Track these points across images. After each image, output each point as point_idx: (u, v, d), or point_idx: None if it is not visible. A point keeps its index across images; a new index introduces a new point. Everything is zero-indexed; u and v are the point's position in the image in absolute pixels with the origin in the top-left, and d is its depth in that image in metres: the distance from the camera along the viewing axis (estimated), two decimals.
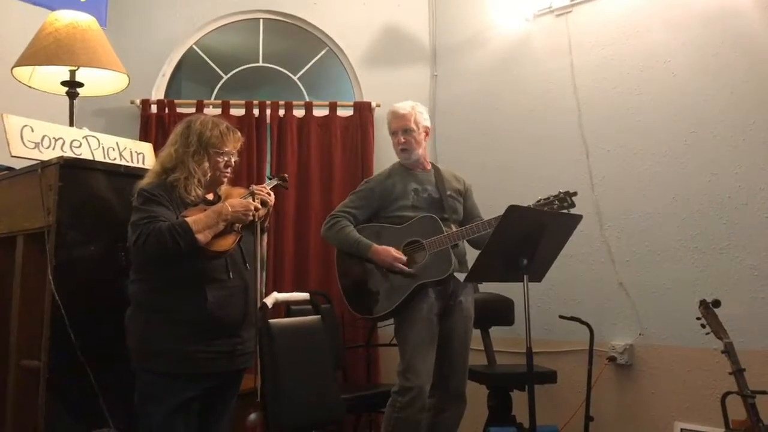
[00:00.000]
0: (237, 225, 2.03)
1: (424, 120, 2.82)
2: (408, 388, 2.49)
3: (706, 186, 3.03)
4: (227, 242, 1.99)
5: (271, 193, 2.19)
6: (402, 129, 2.75)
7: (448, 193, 2.77)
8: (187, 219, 1.92)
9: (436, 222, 2.61)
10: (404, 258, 2.60)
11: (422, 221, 2.64)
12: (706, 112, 3.06)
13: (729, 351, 2.34)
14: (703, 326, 2.46)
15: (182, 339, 1.94)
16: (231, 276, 2.01)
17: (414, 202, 2.71)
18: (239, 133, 2.17)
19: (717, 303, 2.46)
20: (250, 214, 2.05)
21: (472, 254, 2.62)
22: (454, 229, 2.64)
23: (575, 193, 2.56)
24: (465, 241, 2.69)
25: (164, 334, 1.94)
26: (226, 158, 2.10)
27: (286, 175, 2.42)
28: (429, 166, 2.86)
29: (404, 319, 2.59)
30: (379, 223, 2.75)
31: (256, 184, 2.20)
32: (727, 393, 2.39)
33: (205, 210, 1.99)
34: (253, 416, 2.18)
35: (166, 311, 1.95)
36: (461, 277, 2.60)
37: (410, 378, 2.50)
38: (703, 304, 2.47)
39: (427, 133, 2.85)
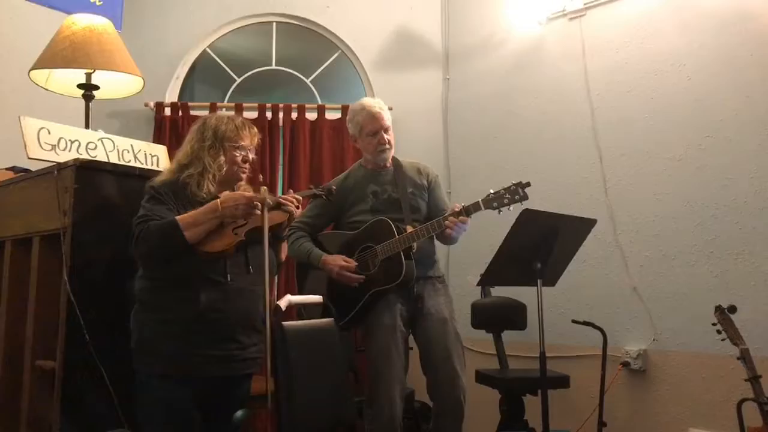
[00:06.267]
0: (237, 228, 1.94)
1: None
2: (373, 398, 2.44)
3: (722, 190, 3.01)
4: (222, 243, 1.90)
5: (298, 201, 2.08)
6: (385, 128, 2.65)
7: (409, 190, 2.67)
8: (177, 217, 1.88)
9: (388, 225, 2.52)
10: (353, 265, 2.51)
11: (374, 225, 2.56)
12: (721, 115, 3.04)
13: (745, 357, 2.32)
14: (719, 332, 2.43)
15: (173, 340, 1.90)
16: (229, 278, 1.95)
17: (373, 205, 2.63)
18: (255, 129, 2.14)
19: (733, 309, 2.44)
20: (242, 206, 1.90)
21: (461, 253, 2.63)
22: (409, 229, 2.55)
23: (528, 184, 2.37)
24: (435, 238, 2.59)
25: (158, 334, 1.91)
26: (242, 153, 2.07)
27: (332, 187, 2.30)
28: (389, 164, 2.74)
29: (367, 327, 2.54)
30: (337, 231, 2.68)
31: (290, 189, 2.14)
32: (743, 400, 2.36)
33: None
34: (239, 414, 2.11)
35: (161, 310, 1.92)
36: (432, 279, 2.60)
37: (375, 388, 2.44)
38: (719, 309, 2.45)
39: None
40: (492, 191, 2.39)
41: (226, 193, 1.97)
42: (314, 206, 2.71)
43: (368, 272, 2.52)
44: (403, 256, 2.47)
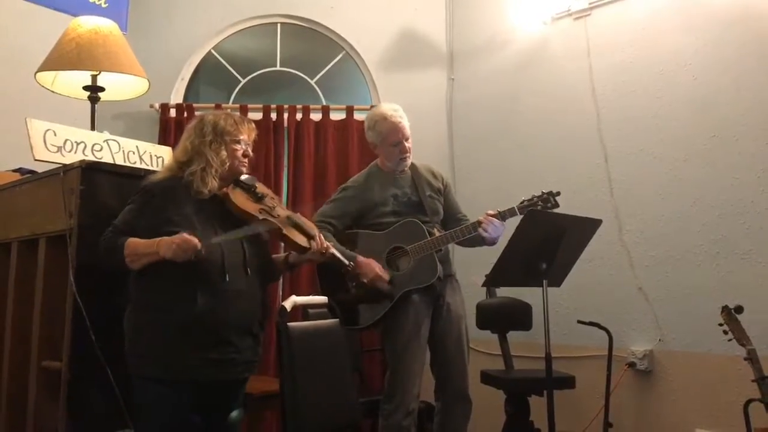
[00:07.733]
0: (267, 209, 2.03)
1: None
2: (392, 394, 2.48)
3: (728, 190, 2.99)
4: (246, 204, 1.99)
5: (321, 251, 2.10)
6: (406, 137, 2.68)
7: (428, 193, 2.71)
8: (128, 240, 1.90)
9: (419, 226, 2.57)
10: (387, 276, 2.52)
11: (404, 226, 2.59)
12: (727, 115, 3.02)
13: (752, 358, 2.31)
14: (725, 332, 2.43)
15: (169, 343, 1.88)
16: (227, 279, 1.93)
17: (394, 208, 2.65)
18: (253, 124, 2.16)
19: (740, 309, 2.43)
20: (175, 246, 1.83)
21: (466, 253, 2.65)
22: (436, 231, 2.61)
23: (558, 193, 2.54)
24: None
25: (152, 337, 1.89)
26: (242, 147, 2.08)
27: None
28: (407, 168, 2.77)
29: (391, 326, 2.55)
30: (361, 230, 2.66)
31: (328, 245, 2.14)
32: (750, 400, 2.35)
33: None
34: (235, 413, 2.09)
35: (156, 311, 1.90)
36: (451, 277, 2.64)
37: (395, 384, 2.49)
38: (725, 310, 2.44)
39: None
40: (525, 198, 2.54)
41: (165, 239, 1.87)
42: (337, 206, 2.70)
43: (399, 272, 2.56)
44: (436, 258, 2.54)
